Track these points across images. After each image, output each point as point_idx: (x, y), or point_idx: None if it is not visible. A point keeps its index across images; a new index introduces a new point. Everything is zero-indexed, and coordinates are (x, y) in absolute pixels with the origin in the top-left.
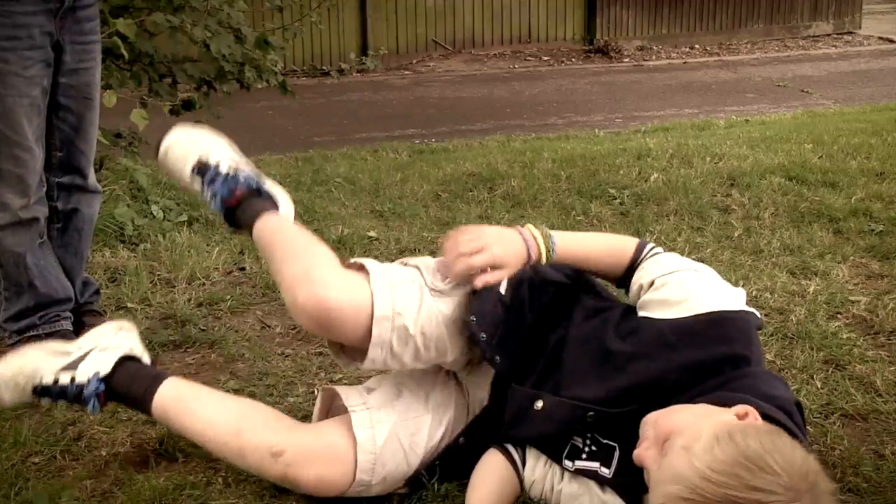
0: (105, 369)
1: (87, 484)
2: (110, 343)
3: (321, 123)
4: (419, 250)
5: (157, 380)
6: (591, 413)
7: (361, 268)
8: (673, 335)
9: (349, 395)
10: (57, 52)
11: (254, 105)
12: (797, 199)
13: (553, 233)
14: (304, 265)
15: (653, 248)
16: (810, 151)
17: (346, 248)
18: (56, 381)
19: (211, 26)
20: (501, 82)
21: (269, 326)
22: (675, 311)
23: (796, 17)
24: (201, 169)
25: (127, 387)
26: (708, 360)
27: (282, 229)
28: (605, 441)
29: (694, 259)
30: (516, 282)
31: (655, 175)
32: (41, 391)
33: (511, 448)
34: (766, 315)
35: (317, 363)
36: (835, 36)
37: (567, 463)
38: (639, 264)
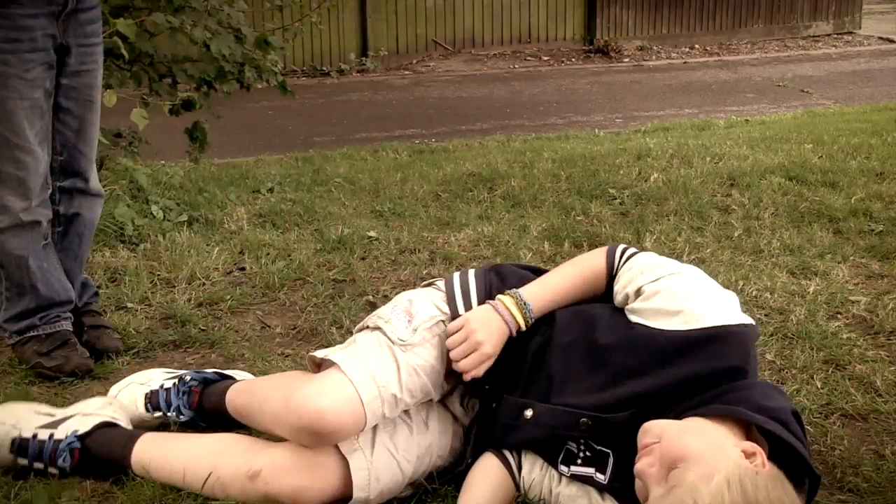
0: (83, 429)
1: (87, 484)
2: (95, 412)
3: (321, 123)
4: (419, 250)
5: (133, 437)
6: (584, 419)
7: (324, 363)
8: (671, 349)
9: None
10: (60, 54)
11: (254, 105)
12: (797, 199)
13: (523, 291)
14: (281, 397)
15: (622, 251)
16: (810, 151)
17: (346, 248)
18: (35, 437)
19: (211, 26)
20: (501, 82)
21: (269, 326)
22: (671, 323)
23: (796, 17)
24: (152, 399)
25: (106, 446)
26: (705, 373)
27: (247, 388)
28: (598, 447)
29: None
30: (484, 295)
31: (655, 175)
32: (19, 446)
33: (507, 452)
34: (766, 315)
35: None
36: (835, 36)
37: (563, 468)
38: (616, 274)
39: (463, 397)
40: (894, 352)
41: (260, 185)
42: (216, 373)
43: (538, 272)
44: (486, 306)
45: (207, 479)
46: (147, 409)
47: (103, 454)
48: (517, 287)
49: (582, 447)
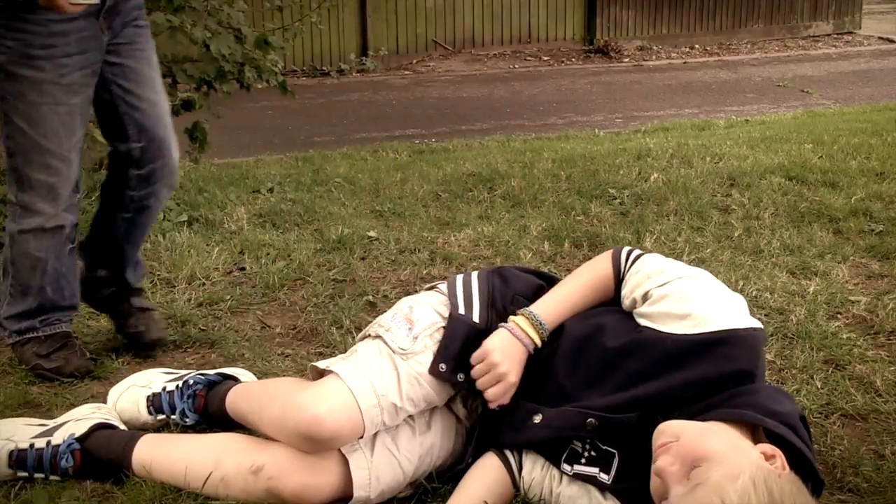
0: (80, 432)
1: (87, 484)
2: (87, 416)
3: (321, 123)
4: (419, 250)
5: (134, 437)
6: (591, 419)
7: (325, 372)
8: (680, 353)
9: None
10: (109, 48)
11: (254, 105)
12: (797, 199)
13: (535, 309)
14: (279, 404)
15: (627, 254)
16: (810, 151)
17: (346, 248)
18: (32, 446)
19: (211, 26)
20: (501, 82)
21: (269, 326)
22: (680, 327)
23: (796, 17)
24: (154, 402)
25: (105, 447)
26: (713, 376)
27: (247, 393)
28: (604, 447)
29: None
30: (488, 302)
31: (655, 175)
32: (17, 458)
33: (508, 451)
34: (766, 315)
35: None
36: (835, 36)
37: (566, 467)
38: (623, 278)
39: (466, 399)
40: (894, 352)
41: (260, 185)
42: (219, 373)
43: (540, 275)
44: (503, 332)
45: (209, 477)
46: (149, 412)
47: (103, 455)
48: (520, 290)
49: (587, 447)
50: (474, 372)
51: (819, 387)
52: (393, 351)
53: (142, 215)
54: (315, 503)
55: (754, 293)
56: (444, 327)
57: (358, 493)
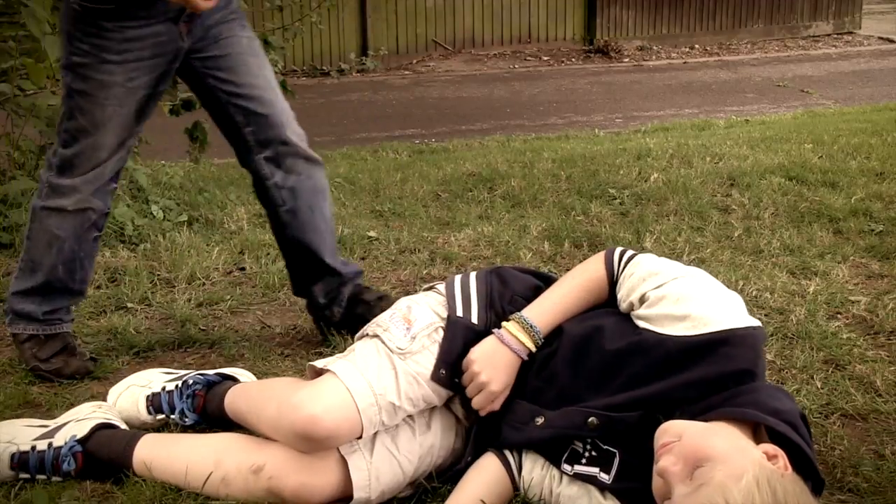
0: (81, 433)
1: (87, 484)
2: (88, 416)
3: (321, 123)
4: (419, 250)
5: (135, 437)
6: (593, 418)
7: (323, 371)
8: (680, 354)
9: None
10: (195, 47)
11: None
12: (797, 199)
13: (527, 313)
14: (276, 404)
15: (620, 255)
16: (810, 151)
17: (346, 248)
18: (34, 448)
19: None
20: (501, 82)
21: (269, 326)
22: (678, 328)
23: (796, 17)
24: (154, 402)
25: (106, 447)
26: (714, 376)
27: (244, 393)
28: (605, 447)
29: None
30: (487, 302)
31: (655, 175)
32: (19, 461)
33: (507, 451)
34: (766, 315)
35: None
36: (835, 36)
37: (566, 467)
38: (617, 280)
39: (465, 399)
40: (894, 352)
41: None
42: (218, 374)
43: (539, 275)
44: (491, 338)
45: (209, 476)
46: (149, 412)
47: (104, 455)
48: (518, 291)
49: (588, 446)
50: (463, 380)
51: (819, 387)
52: (391, 350)
53: (298, 199)
54: (315, 503)
55: (754, 293)
56: (442, 327)
57: (358, 493)
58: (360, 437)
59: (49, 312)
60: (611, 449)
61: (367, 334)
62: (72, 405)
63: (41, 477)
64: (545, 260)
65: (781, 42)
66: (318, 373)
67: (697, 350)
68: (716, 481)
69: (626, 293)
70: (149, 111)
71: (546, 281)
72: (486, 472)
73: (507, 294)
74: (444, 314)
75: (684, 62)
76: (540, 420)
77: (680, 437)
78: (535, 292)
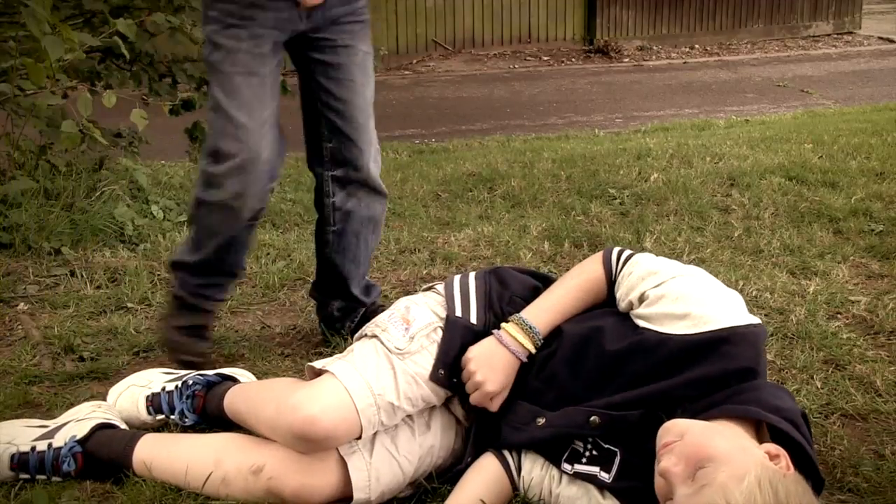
0: (81, 433)
1: (87, 484)
2: (88, 416)
3: None
4: (419, 250)
5: (135, 437)
6: (595, 417)
7: (322, 372)
8: (681, 353)
9: None
10: (315, 44)
11: None
12: (797, 199)
13: (526, 314)
14: (274, 404)
15: (618, 255)
16: (810, 151)
17: None
18: (34, 449)
19: None
20: (501, 82)
21: (269, 326)
22: (679, 327)
23: (796, 17)
24: (153, 402)
25: (106, 447)
26: (716, 374)
27: (243, 394)
28: (606, 446)
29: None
30: (486, 303)
31: (655, 175)
32: (19, 461)
33: (506, 452)
34: (766, 315)
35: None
36: (835, 36)
37: (566, 466)
38: (615, 280)
39: (464, 399)
40: (894, 352)
41: None
42: (218, 374)
43: (537, 275)
44: (490, 339)
45: (209, 476)
46: (149, 412)
47: (104, 455)
48: (517, 292)
49: (589, 446)
50: (462, 376)
51: (819, 387)
52: (389, 350)
53: (348, 224)
54: (315, 503)
55: (754, 293)
56: (441, 328)
57: (358, 494)
58: (360, 438)
59: (200, 286)
60: (612, 448)
61: (366, 335)
62: (72, 405)
63: (41, 477)
64: (545, 260)
65: (781, 42)
66: (317, 373)
67: (699, 348)
68: (718, 482)
69: (625, 292)
70: (277, 87)
71: (545, 281)
72: (486, 472)
73: (505, 295)
74: (443, 314)
75: (684, 62)
76: (541, 420)
77: (682, 436)
78: (534, 293)
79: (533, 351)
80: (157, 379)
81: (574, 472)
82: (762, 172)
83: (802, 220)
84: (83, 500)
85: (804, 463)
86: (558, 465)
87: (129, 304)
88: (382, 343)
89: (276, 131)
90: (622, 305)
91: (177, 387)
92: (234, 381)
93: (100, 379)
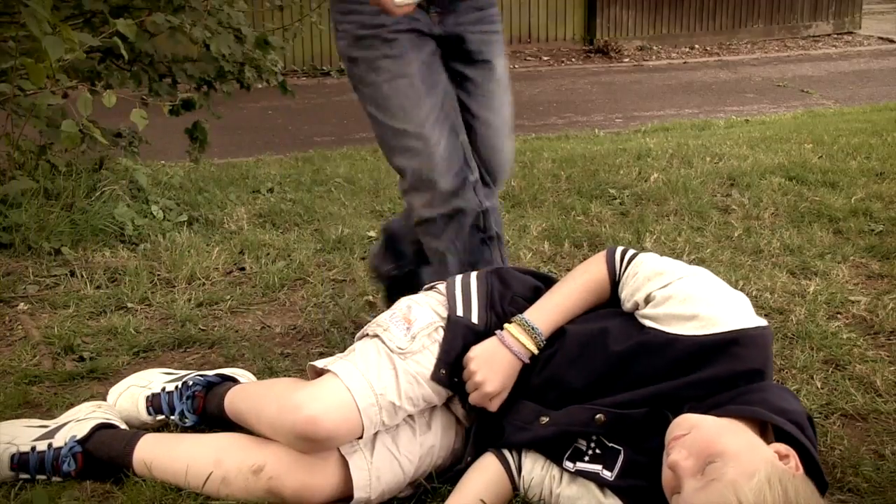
0: (81, 433)
1: (87, 484)
2: (88, 416)
3: (321, 123)
4: None
5: (135, 436)
6: (600, 415)
7: (323, 372)
8: (689, 355)
9: None
10: (459, 55)
11: (254, 105)
12: (797, 199)
13: (529, 315)
14: (275, 404)
15: (622, 255)
16: (810, 151)
17: (346, 248)
18: (34, 449)
19: (211, 26)
20: None
21: (269, 326)
22: (687, 328)
23: (796, 17)
24: (153, 402)
25: (106, 447)
26: (725, 376)
27: (244, 394)
28: (610, 444)
29: (694, 259)
30: (487, 303)
31: (655, 175)
32: (19, 461)
33: (507, 452)
34: (766, 315)
35: None
36: (835, 36)
37: (568, 464)
38: (619, 280)
39: (465, 399)
40: (894, 352)
41: (260, 185)
42: (218, 374)
43: (538, 276)
44: (492, 339)
45: (210, 476)
46: (149, 413)
47: (104, 455)
48: (519, 292)
49: (592, 444)
50: (463, 376)
51: (819, 387)
52: (391, 350)
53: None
54: (315, 503)
55: (754, 293)
56: (442, 327)
57: (358, 493)
58: (361, 438)
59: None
60: (616, 446)
61: (368, 334)
62: (72, 405)
63: (41, 477)
64: (545, 260)
65: (781, 42)
66: (319, 373)
67: (709, 350)
68: (727, 478)
69: (631, 293)
70: (434, 79)
71: (546, 281)
72: (486, 472)
73: (507, 294)
74: (445, 314)
75: (684, 62)
76: (545, 419)
77: (692, 430)
78: (535, 293)
79: (535, 352)
80: (156, 379)
81: (576, 470)
82: (762, 172)
83: (802, 220)
84: (83, 500)
85: (808, 465)
86: (560, 464)
87: (129, 304)
88: (384, 342)
89: (448, 122)
90: (627, 306)
91: (177, 387)
92: (234, 381)
93: (100, 379)
